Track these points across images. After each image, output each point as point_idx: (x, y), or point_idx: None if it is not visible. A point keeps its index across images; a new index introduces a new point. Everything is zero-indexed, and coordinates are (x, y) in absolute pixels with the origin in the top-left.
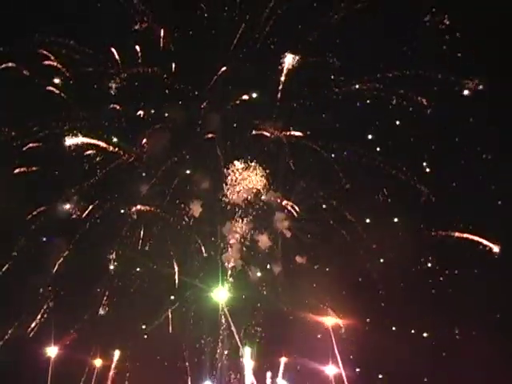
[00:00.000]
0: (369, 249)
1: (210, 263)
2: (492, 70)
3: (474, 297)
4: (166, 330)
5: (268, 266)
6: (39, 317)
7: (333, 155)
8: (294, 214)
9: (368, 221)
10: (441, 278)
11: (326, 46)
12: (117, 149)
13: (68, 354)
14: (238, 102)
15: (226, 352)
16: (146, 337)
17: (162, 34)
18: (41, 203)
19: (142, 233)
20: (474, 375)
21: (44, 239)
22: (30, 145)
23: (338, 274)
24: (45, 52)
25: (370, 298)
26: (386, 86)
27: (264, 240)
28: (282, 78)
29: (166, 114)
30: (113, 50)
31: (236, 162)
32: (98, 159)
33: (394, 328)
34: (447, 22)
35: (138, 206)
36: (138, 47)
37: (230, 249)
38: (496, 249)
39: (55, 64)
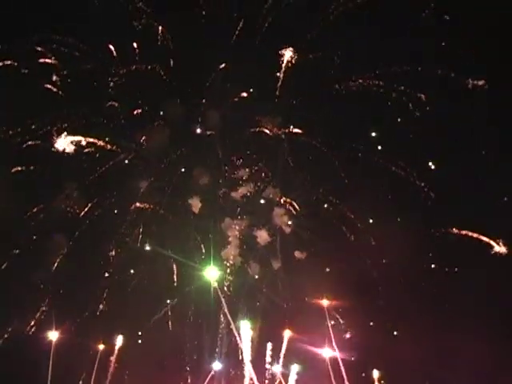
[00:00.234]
0: (369, 245)
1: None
2: (492, 68)
3: (477, 296)
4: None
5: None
6: (38, 314)
7: (332, 152)
8: (293, 210)
9: (368, 217)
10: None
11: (325, 42)
12: (115, 146)
13: (70, 340)
14: (236, 99)
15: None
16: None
17: (160, 30)
18: (40, 201)
19: (141, 230)
20: (474, 375)
21: (43, 237)
22: (29, 143)
23: (338, 269)
24: (43, 50)
25: (370, 296)
26: (385, 82)
27: (263, 236)
28: (281, 75)
29: (165, 112)
30: (111, 47)
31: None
32: (96, 156)
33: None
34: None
35: (137, 204)
36: (136, 44)
37: (229, 245)
38: (503, 249)
39: (53, 62)
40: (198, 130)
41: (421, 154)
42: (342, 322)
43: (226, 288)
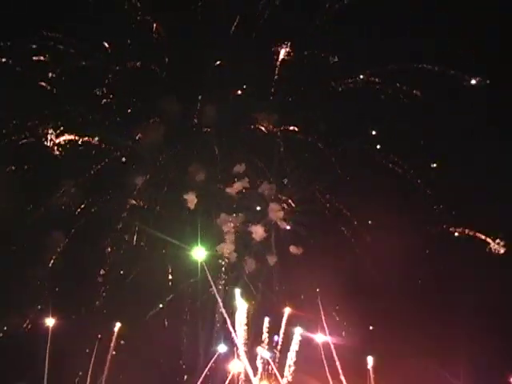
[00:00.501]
0: (365, 242)
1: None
2: (492, 67)
3: (476, 296)
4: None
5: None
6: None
7: (329, 149)
8: (286, 206)
9: (364, 213)
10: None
11: (321, 39)
12: (111, 143)
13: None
14: (233, 95)
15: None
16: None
17: (155, 27)
18: (36, 199)
19: (136, 227)
20: (473, 375)
21: (39, 234)
22: (24, 141)
23: (334, 266)
24: (37, 47)
25: (368, 294)
26: (383, 80)
27: (259, 231)
28: (277, 72)
29: (161, 109)
30: (106, 44)
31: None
32: (92, 153)
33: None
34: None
35: (133, 201)
36: (131, 41)
37: (224, 240)
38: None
39: (47, 59)
40: (194, 127)
41: (419, 153)
42: (337, 319)
43: (220, 286)
